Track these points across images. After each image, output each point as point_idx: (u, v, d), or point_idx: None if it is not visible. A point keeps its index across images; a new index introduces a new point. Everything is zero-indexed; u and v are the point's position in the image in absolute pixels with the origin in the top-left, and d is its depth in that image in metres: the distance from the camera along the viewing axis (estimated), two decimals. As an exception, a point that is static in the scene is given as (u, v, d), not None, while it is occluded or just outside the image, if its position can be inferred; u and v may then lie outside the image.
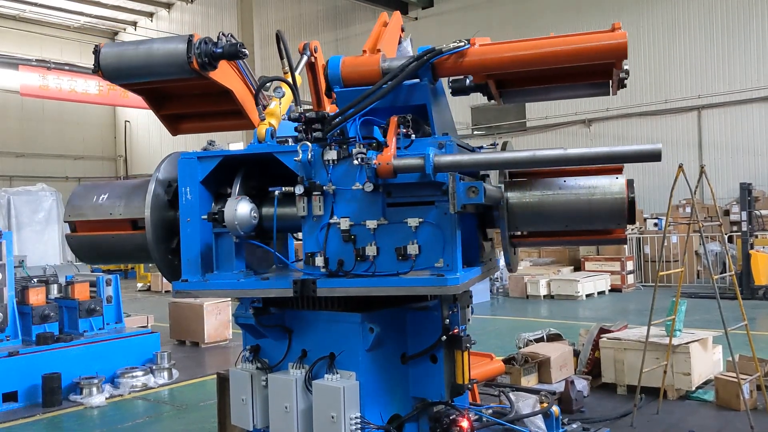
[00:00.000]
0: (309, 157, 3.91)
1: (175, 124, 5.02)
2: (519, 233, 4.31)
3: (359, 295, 3.92)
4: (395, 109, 4.03)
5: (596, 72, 3.89)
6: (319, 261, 3.93)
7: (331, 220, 3.93)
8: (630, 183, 4.07)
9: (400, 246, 3.82)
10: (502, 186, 4.08)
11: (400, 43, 4.70)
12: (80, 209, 4.62)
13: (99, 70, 4.19)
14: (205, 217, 4.17)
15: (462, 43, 3.84)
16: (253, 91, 4.51)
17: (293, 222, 4.20)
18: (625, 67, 3.89)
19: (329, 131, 3.91)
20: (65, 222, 4.69)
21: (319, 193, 3.91)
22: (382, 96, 3.88)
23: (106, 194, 4.57)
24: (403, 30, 4.76)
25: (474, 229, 4.33)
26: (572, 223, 4.11)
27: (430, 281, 3.69)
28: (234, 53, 4.13)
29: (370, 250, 3.85)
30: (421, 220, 3.80)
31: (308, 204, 3.94)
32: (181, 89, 4.62)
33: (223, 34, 4.19)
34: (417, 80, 4.00)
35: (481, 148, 4.49)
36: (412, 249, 3.78)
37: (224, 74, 4.37)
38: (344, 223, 3.89)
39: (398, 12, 4.74)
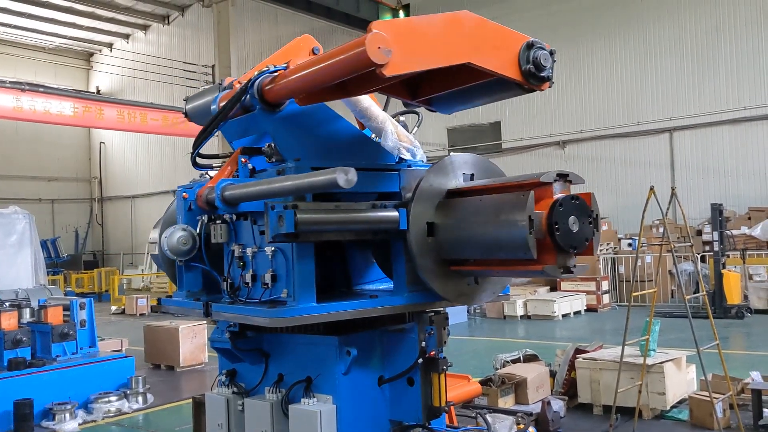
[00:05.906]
0: None
1: None
2: (457, 260, 3.83)
3: (229, 320, 4.09)
4: (265, 137, 4.06)
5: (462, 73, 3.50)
6: (224, 285, 4.15)
7: (231, 247, 4.12)
8: (554, 206, 3.26)
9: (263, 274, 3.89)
10: (400, 208, 3.73)
11: None
12: (154, 234, 5.09)
13: (187, 116, 4.73)
14: None
15: (270, 68, 3.78)
16: None
17: None
18: (534, 56, 3.40)
19: (192, 161, 4.31)
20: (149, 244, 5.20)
21: (220, 221, 4.14)
22: (211, 131, 4.05)
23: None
24: (315, 52, 4.69)
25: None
26: (486, 251, 3.59)
27: (259, 312, 3.70)
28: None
29: (248, 277, 3.98)
30: (273, 249, 3.79)
31: (215, 231, 4.16)
32: None
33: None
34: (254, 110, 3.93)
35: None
36: (267, 277, 3.81)
37: None
38: (237, 250, 4.07)
39: (308, 35, 4.70)
